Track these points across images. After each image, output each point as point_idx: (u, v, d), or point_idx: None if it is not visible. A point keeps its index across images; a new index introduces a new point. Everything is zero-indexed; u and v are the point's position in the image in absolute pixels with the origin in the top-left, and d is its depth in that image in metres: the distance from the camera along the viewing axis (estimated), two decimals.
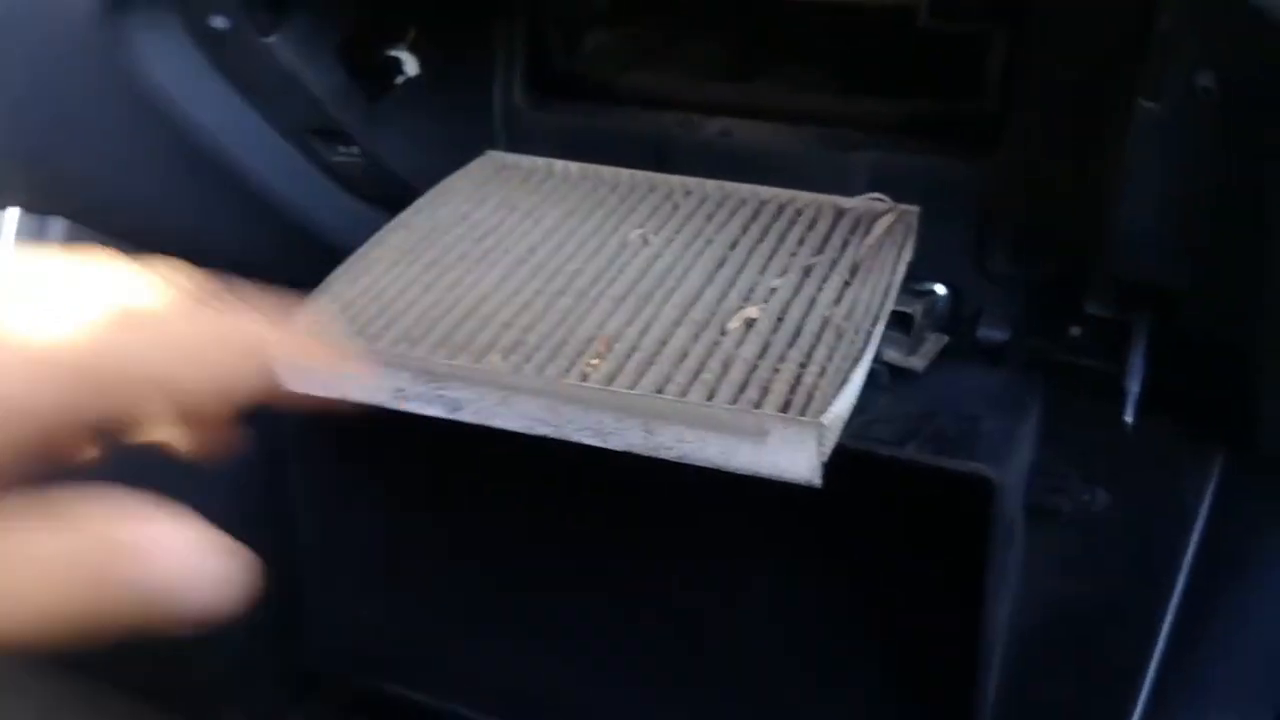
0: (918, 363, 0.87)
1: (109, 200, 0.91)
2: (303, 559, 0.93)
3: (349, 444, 0.92)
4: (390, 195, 0.97)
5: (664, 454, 0.68)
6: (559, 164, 0.96)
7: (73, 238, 0.93)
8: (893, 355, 0.87)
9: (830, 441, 0.66)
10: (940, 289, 0.93)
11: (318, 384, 0.75)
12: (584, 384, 0.69)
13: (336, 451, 0.93)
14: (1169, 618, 0.92)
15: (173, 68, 0.82)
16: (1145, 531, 0.92)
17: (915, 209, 0.85)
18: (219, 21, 0.81)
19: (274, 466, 0.92)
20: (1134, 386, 0.83)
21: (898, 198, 0.86)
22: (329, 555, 0.95)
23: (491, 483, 1.01)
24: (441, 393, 0.72)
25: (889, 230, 0.84)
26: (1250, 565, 0.91)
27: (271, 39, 0.82)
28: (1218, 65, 0.60)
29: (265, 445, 1.04)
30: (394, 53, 0.95)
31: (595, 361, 0.72)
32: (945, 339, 0.90)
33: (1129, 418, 0.82)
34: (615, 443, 0.69)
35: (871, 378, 0.85)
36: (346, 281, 0.80)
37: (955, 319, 0.95)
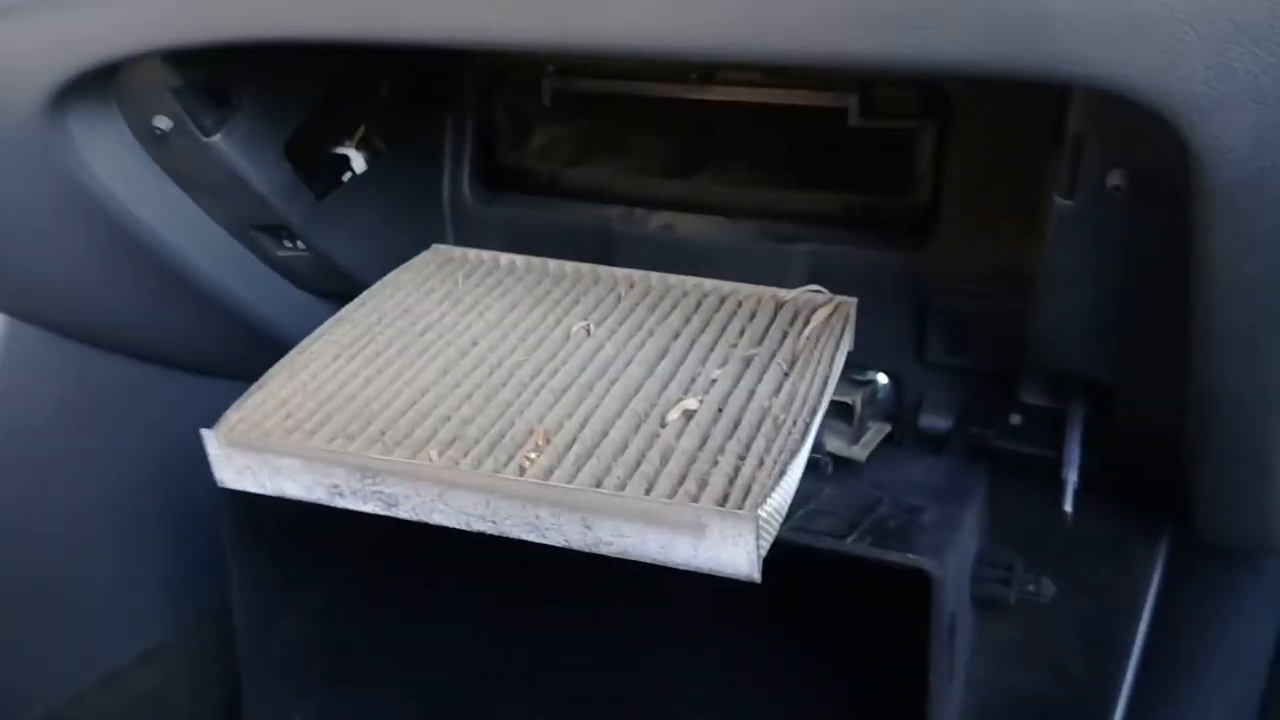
0: (860, 452, 0.87)
1: (51, 295, 0.91)
2: (241, 662, 0.91)
3: (287, 544, 0.91)
4: (338, 289, 0.98)
5: (603, 549, 0.68)
6: (504, 257, 0.97)
7: (13, 331, 0.92)
8: (835, 445, 0.88)
9: (769, 534, 0.66)
10: (881, 378, 0.95)
11: (253, 481, 0.75)
12: (520, 479, 0.69)
13: (274, 552, 0.91)
14: (1122, 705, 0.91)
15: (115, 165, 0.83)
16: (1094, 619, 0.93)
17: (852, 300, 0.86)
18: (161, 122, 0.81)
19: (214, 566, 0.91)
20: (1071, 476, 0.84)
21: (835, 289, 0.88)
22: (267, 658, 0.94)
23: (432, 582, 1.00)
24: (377, 489, 0.71)
25: (827, 321, 0.85)
26: (1201, 648, 0.92)
27: (214, 139, 0.83)
28: (1126, 165, 0.62)
29: (205, 545, 1.04)
30: (341, 150, 0.96)
31: (533, 455, 0.72)
32: (887, 428, 0.91)
33: (1068, 508, 0.83)
34: (554, 538, 0.69)
35: (814, 467, 0.86)
36: (285, 376, 0.80)
37: (898, 408, 0.96)
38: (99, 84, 0.78)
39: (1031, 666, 0.92)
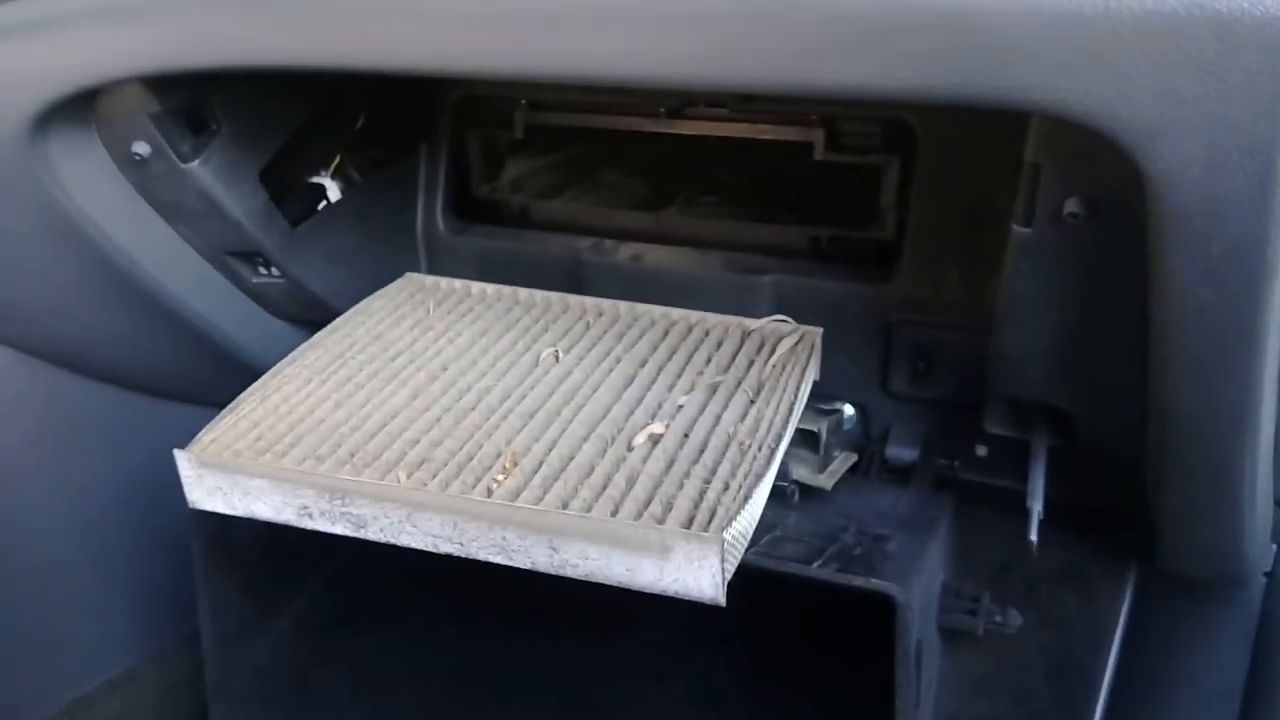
0: (826, 480, 0.88)
1: (26, 317, 0.91)
2: (209, 689, 0.90)
3: (256, 569, 0.91)
4: (311, 316, 0.98)
5: (569, 571, 0.68)
6: (475, 285, 0.98)
7: None
8: (802, 473, 0.88)
9: (734, 558, 0.67)
10: (848, 409, 0.96)
11: (223, 502, 0.75)
12: (487, 500, 0.69)
13: (243, 577, 0.91)
14: None
15: (94, 190, 0.83)
16: (1062, 651, 0.93)
17: (818, 330, 0.87)
18: (140, 148, 0.82)
19: (183, 593, 0.90)
20: (1036, 505, 0.84)
21: (801, 320, 0.89)
22: (235, 685, 0.93)
23: (403, 609, 0.99)
24: (346, 510, 0.71)
25: (793, 350, 0.86)
26: (1169, 681, 0.92)
27: (192, 165, 0.83)
28: (1083, 192, 0.64)
29: (174, 571, 1.03)
30: (316, 179, 0.97)
31: (501, 477, 0.72)
32: (854, 457, 0.92)
33: (1033, 537, 0.84)
34: (520, 560, 0.69)
35: (780, 495, 0.87)
36: (257, 399, 0.81)
37: (864, 439, 0.97)
38: (79, 109, 0.79)
39: (999, 699, 0.92)
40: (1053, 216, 0.65)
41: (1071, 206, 0.64)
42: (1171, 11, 0.51)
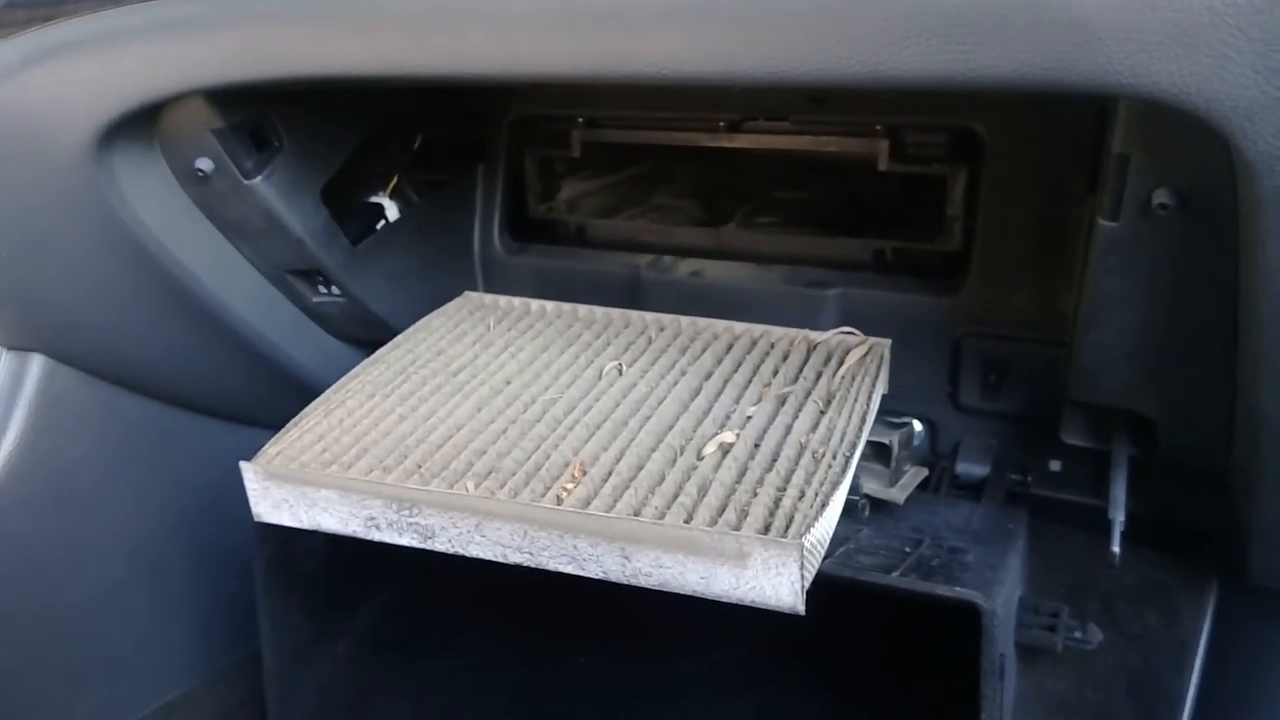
0: (898, 494, 0.86)
1: (89, 336, 0.91)
2: (269, 709, 0.89)
3: (318, 590, 0.90)
4: (369, 336, 0.98)
5: (642, 581, 0.67)
6: (535, 303, 0.97)
7: (50, 371, 0.92)
8: (872, 487, 0.86)
9: (813, 565, 0.65)
10: (916, 424, 0.94)
11: (289, 514, 0.74)
12: (558, 508, 0.68)
13: (305, 598, 0.90)
14: None
15: (157, 207, 0.83)
16: (1143, 668, 0.90)
17: (886, 341, 0.86)
18: (203, 164, 0.82)
19: (241, 615, 0.89)
20: (1118, 517, 0.82)
21: (866, 333, 0.87)
22: (295, 706, 0.91)
23: (463, 632, 0.98)
24: (414, 520, 0.70)
25: (861, 362, 0.84)
26: (1254, 699, 0.89)
27: (255, 181, 0.84)
28: (1173, 182, 0.62)
29: (232, 593, 1.02)
30: (375, 199, 0.97)
31: (570, 486, 0.71)
32: (924, 472, 0.90)
33: (1115, 548, 0.81)
34: (591, 569, 0.67)
35: (851, 509, 0.85)
36: (321, 414, 0.80)
37: (932, 454, 0.95)
38: (142, 125, 0.79)
39: (1079, 718, 0.89)
40: (1141, 209, 0.63)
41: (1161, 197, 0.62)
42: None
